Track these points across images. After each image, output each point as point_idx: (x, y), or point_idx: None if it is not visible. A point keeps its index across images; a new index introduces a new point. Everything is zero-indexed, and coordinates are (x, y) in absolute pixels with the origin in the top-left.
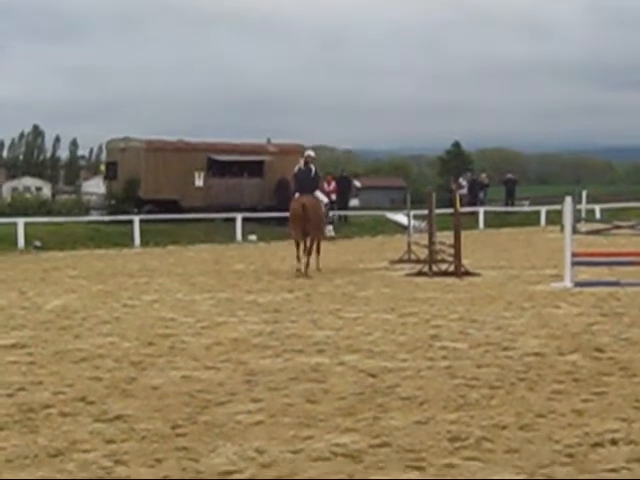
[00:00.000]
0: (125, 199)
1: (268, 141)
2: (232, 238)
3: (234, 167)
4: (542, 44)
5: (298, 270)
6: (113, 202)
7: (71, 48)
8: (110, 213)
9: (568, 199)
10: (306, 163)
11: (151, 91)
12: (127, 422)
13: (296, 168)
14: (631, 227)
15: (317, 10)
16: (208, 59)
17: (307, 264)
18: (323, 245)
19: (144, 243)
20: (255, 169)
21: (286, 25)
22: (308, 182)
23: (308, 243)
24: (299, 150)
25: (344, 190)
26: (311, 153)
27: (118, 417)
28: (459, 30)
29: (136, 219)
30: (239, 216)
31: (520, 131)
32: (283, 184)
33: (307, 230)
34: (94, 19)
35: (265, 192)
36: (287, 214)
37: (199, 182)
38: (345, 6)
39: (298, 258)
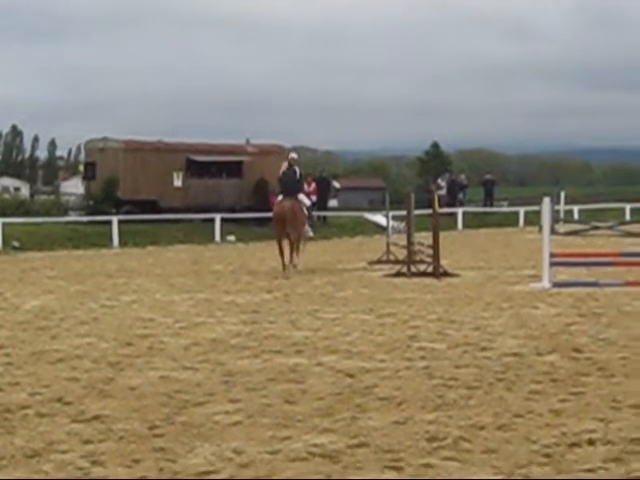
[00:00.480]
0: (104, 199)
1: (247, 142)
2: (211, 239)
3: (213, 167)
4: (525, 45)
5: (285, 269)
6: (91, 202)
7: (51, 48)
8: (88, 213)
9: (546, 200)
10: (290, 165)
11: (131, 92)
12: (104, 423)
13: (281, 170)
14: (609, 228)
15: (299, 11)
16: (191, 60)
17: (291, 262)
18: (303, 246)
19: (123, 244)
20: (234, 170)
21: (268, 26)
22: (292, 184)
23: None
24: (278, 151)
25: (323, 191)
26: (294, 155)
27: (95, 417)
28: (442, 30)
29: (115, 219)
30: (218, 217)
31: (500, 132)
32: (262, 185)
33: (289, 232)
34: (75, 20)
35: (244, 193)
36: (266, 215)
37: (178, 182)
38: (326, 7)
39: (282, 258)
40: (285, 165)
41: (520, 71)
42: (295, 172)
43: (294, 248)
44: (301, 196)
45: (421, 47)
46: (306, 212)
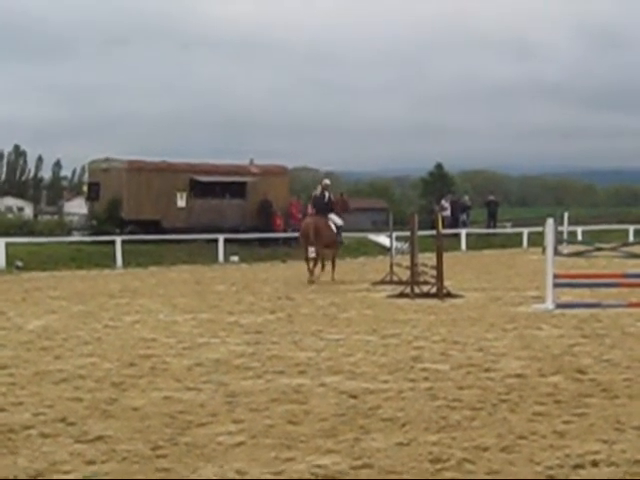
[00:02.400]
0: (107, 219)
1: (251, 162)
2: (214, 259)
3: (216, 188)
4: (527, 66)
5: (310, 281)
6: (95, 223)
7: (54, 68)
8: (92, 234)
9: (550, 221)
10: (323, 190)
11: (135, 112)
12: (108, 443)
13: (313, 194)
14: (612, 249)
15: (301, 31)
16: (193, 80)
17: (312, 274)
18: (305, 266)
19: (126, 264)
20: (237, 190)
21: (270, 46)
22: (321, 205)
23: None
24: (281, 171)
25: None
26: (327, 181)
27: (99, 438)
28: (444, 51)
29: (118, 240)
30: (221, 237)
31: (503, 153)
32: (265, 205)
33: (314, 246)
34: (78, 39)
35: (247, 213)
36: (269, 235)
37: (181, 203)
38: (330, 27)
39: (309, 271)
40: (319, 189)
41: (522, 92)
42: (325, 195)
43: (319, 260)
44: (332, 215)
45: (423, 67)
46: (335, 229)
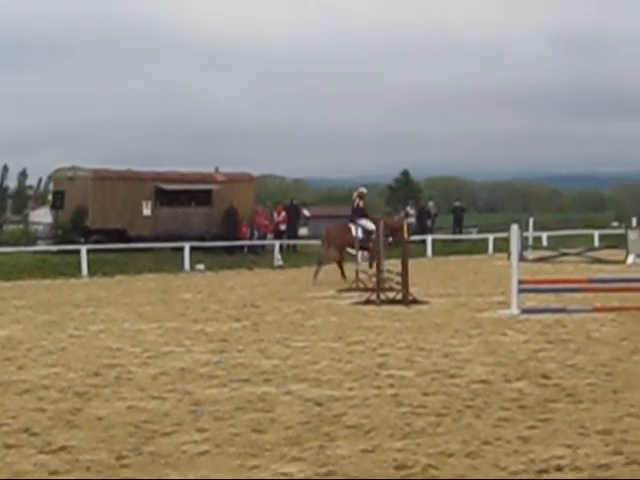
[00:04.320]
0: (72, 228)
1: (216, 170)
2: (180, 267)
3: (182, 196)
4: (495, 73)
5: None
6: (60, 232)
7: (21, 76)
8: (57, 243)
9: (514, 227)
10: (355, 197)
11: (101, 120)
12: (71, 453)
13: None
14: (578, 254)
15: (268, 40)
16: (161, 88)
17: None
18: (272, 274)
19: (91, 273)
20: (203, 198)
21: (238, 55)
22: (352, 212)
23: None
24: (247, 179)
25: (293, 219)
26: (362, 189)
27: (62, 448)
28: (413, 59)
29: (83, 249)
30: (187, 245)
31: (470, 159)
32: (231, 213)
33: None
34: (44, 47)
35: (213, 221)
36: (235, 243)
37: (147, 211)
38: (297, 36)
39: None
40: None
41: (490, 99)
42: (354, 202)
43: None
44: (362, 221)
45: (391, 75)
46: (360, 235)
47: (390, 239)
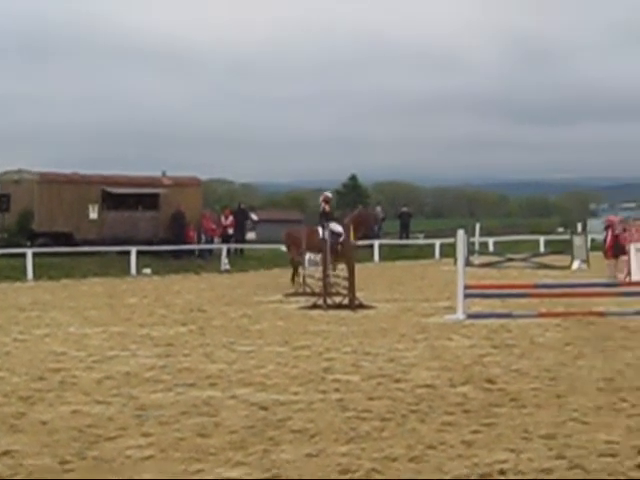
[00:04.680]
0: (18, 232)
1: (163, 174)
2: (126, 271)
3: (129, 200)
4: (445, 80)
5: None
6: (5, 235)
7: None
8: (2, 246)
9: (460, 232)
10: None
11: (49, 123)
12: (15, 458)
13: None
14: (523, 260)
15: (220, 44)
16: (110, 91)
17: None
18: (219, 278)
19: (37, 276)
20: (150, 202)
21: (189, 59)
22: (319, 217)
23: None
24: (195, 183)
25: (241, 223)
26: (327, 194)
27: (5, 453)
28: (365, 65)
29: (29, 252)
30: (134, 249)
31: (419, 165)
32: (178, 217)
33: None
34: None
35: (160, 225)
36: (182, 247)
37: (93, 215)
38: (248, 41)
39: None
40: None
41: (442, 105)
42: (320, 206)
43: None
44: (330, 225)
45: (343, 81)
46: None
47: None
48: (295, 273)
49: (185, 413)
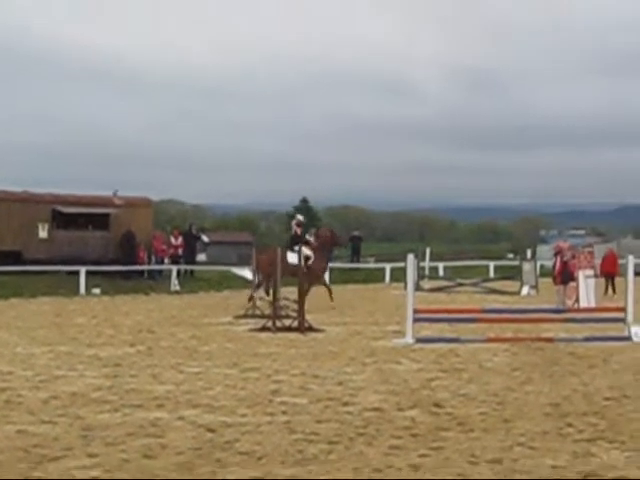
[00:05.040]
0: None
1: (114, 194)
2: (75, 291)
3: (79, 219)
4: (397, 105)
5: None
6: None
7: None
8: None
9: (410, 256)
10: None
11: (0, 142)
12: None
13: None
14: (473, 285)
15: (176, 67)
16: (63, 112)
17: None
18: (169, 299)
19: None
20: (101, 222)
21: (145, 81)
22: (290, 240)
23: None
24: (145, 203)
25: (191, 244)
26: (299, 218)
27: None
28: (318, 89)
29: None
30: (83, 269)
31: (370, 189)
32: (129, 237)
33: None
34: None
35: (110, 245)
36: (132, 268)
37: (43, 234)
38: (203, 63)
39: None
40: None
41: (393, 130)
42: (292, 230)
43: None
44: (299, 248)
45: (295, 105)
46: (295, 262)
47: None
48: (252, 296)
49: (131, 434)
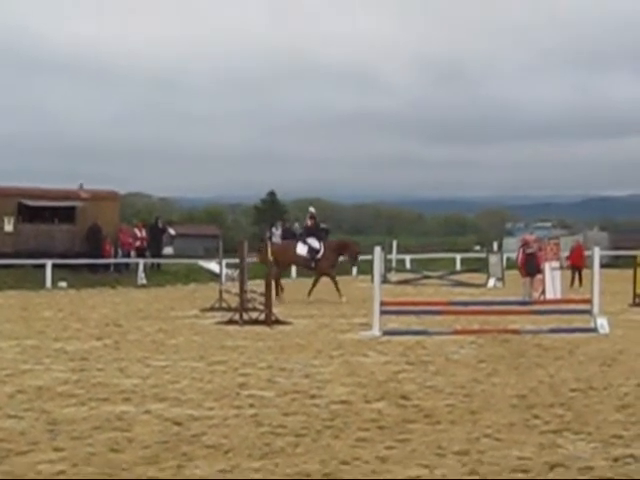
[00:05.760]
0: None
1: (80, 187)
2: (42, 285)
3: (45, 213)
4: (366, 97)
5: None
6: None
7: None
8: None
9: (377, 249)
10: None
11: None
12: None
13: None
14: (439, 277)
15: (141, 59)
16: (28, 104)
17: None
18: (135, 293)
19: None
20: (67, 215)
21: (109, 73)
22: (303, 232)
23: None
24: (112, 196)
25: (157, 237)
26: (311, 210)
27: None
28: (285, 81)
29: None
30: (49, 262)
31: (338, 182)
32: (95, 230)
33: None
34: None
35: (76, 238)
36: (98, 261)
37: (9, 227)
38: (171, 55)
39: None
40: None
41: (360, 123)
42: (305, 222)
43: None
44: (309, 240)
45: (262, 97)
46: (305, 254)
47: (341, 257)
48: (277, 286)
49: (98, 428)
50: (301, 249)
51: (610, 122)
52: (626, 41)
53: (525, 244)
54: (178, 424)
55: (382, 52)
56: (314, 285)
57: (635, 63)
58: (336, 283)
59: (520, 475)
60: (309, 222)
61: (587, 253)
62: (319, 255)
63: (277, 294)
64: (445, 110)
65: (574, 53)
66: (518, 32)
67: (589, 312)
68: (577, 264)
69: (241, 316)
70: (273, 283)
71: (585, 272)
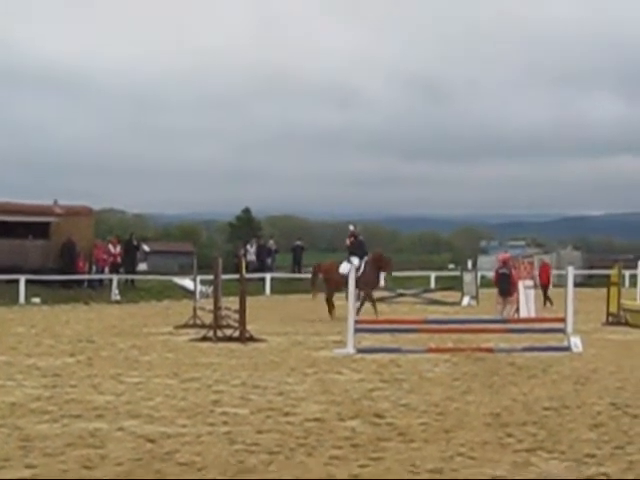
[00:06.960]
0: None
1: (55, 202)
2: (15, 300)
3: (19, 228)
4: (343, 115)
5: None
6: None
7: None
8: None
9: (352, 267)
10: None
11: None
12: None
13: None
14: (414, 295)
15: (119, 74)
16: (2, 119)
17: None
18: (109, 309)
19: None
20: (40, 230)
21: (82, 87)
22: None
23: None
24: (86, 212)
25: (132, 254)
26: (350, 228)
27: None
28: (263, 97)
29: None
30: (22, 278)
31: (314, 199)
32: (69, 246)
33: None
34: None
35: (50, 254)
36: (72, 277)
37: None
38: (153, 71)
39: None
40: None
41: (337, 140)
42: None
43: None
44: (351, 258)
45: (241, 113)
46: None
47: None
48: (330, 305)
49: (71, 445)
50: (344, 268)
51: (589, 142)
52: (607, 61)
53: (502, 263)
54: (151, 441)
55: (362, 68)
56: (362, 304)
57: (614, 83)
58: (374, 302)
59: None
60: (348, 241)
61: (561, 272)
62: (359, 273)
63: (329, 312)
64: (419, 128)
65: (554, 72)
66: (499, 49)
67: (563, 331)
68: (543, 283)
69: (215, 333)
70: (326, 302)
71: (556, 291)
